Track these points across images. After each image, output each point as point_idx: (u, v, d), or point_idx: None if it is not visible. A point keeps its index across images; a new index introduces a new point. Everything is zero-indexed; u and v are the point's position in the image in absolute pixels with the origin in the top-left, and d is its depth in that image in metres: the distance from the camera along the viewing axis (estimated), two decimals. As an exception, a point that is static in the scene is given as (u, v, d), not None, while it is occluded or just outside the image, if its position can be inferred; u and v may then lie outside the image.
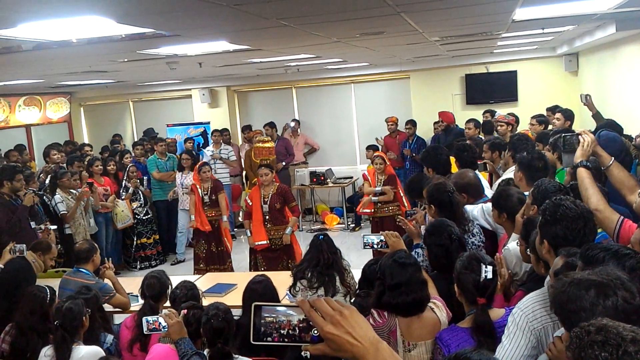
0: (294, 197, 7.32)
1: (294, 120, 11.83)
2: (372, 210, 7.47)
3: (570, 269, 2.12)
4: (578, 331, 1.49)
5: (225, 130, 11.23)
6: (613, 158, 3.33)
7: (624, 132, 5.71)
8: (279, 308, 1.32)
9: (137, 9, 3.26)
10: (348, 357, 1.26)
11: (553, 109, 7.28)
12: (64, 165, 9.03)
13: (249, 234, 6.88)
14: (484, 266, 2.73)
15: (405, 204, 7.39)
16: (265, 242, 6.73)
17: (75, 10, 3.06)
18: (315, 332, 1.27)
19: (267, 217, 6.76)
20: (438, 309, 2.94)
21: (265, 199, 6.77)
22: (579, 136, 3.34)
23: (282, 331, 1.29)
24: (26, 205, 6.56)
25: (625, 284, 1.71)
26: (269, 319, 1.30)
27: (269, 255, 6.79)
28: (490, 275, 2.72)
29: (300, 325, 1.29)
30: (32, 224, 6.68)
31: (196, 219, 7.62)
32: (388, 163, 7.49)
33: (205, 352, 3.31)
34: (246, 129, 11.05)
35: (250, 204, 6.87)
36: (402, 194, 7.46)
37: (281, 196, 6.79)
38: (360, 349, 1.24)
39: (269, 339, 1.30)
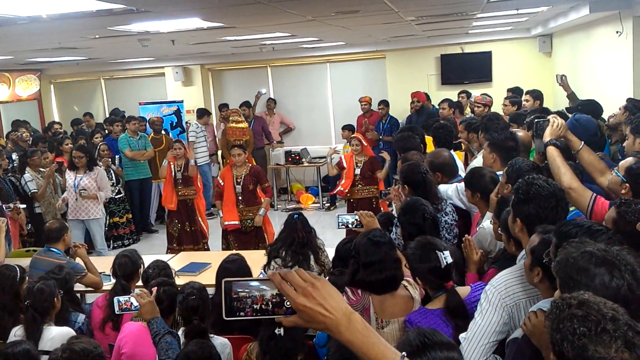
0: (267, 178, 7.27)
1: (265, 91, 11.73)
2: (347, 190, 7.33)
3: (546, 245, 2.14)
4: (559, 302, 1.50)
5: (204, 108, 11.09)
6: (583, 142, 3.39)
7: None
8: (251, 283, 1.31)
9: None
10: (321, 329, 1.27)
11: (531, 93, 7.35)
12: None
13: (221, 214, 6.83)
14: (441, 254, 2.74)
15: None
16: (236, 222, 6.69)
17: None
18: (288, 304, 1.26)
19: (239, 197, 6.71)
20: (411, 287, 2.96)
21: (238, 180, 6.71)
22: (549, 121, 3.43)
23: (255, 306, 1.29)
24: None
25: (635, 273, 1.71)
26: (242, 294, 1.29)
27: (241, 238, 6.75)
28: (450, 260, 2.73)
29: (273, 299, 1.28)
30: (-1, 203, 6.55)
31: (164, 196, 7.53)
32: (365, 144, 7.40)
33: (180, 331, 3.30)
34: (223, 107, 10.91)
35: (222, 183, 6.81)
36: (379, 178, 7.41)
37: (254, 177, 6.75)
38: (333, 320, 1.25)
39: (242, 314, 1.29)
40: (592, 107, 5.56)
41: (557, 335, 1.45)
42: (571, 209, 3.02)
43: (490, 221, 3.29)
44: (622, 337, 1.37)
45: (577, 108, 5.83)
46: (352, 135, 7.69)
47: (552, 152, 3.13)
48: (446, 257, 2.74)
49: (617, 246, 1.87)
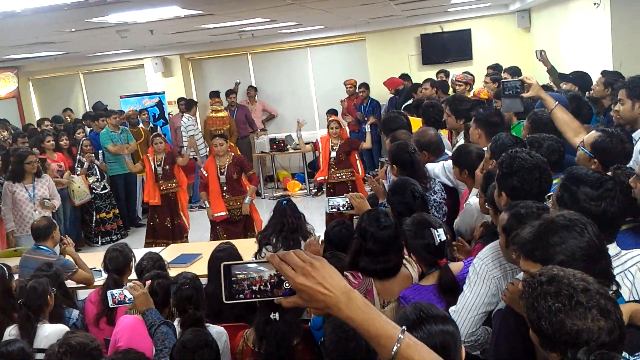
0: (251, 165, 7.25)
1: (239, 80, 11.72)
2: (326, 176, 7.32)
3: (517, 220, 2.19)
4: (530, 280, 1.54)
5: (183, 99, 11.02)
6: (557, 102, 3.44)
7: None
8: (249, 265, 1.32)
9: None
10: (321, 307, 1.28)
11: (509, 70, 7.39)
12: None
13: (207, 205, 6.81)
14: (434, 231, 2.76)
15: (360, 170, 7.37)
16: (224, 213, 6.68)
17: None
18: (287, 285, 1.27)
19: (224, 187, 6.69)
20: (410, 265, 2.98)
21: (222, 170, 6.68)
22: (522, 82, 3.48)
23: (253, 287, 1.30)
24: None
25: (592, 224, 1.78)
26: (240, 276, 1.30)
27: (229, 228, 6.73)
28: (443, 237, 2.76)
29: (272, 280, 1.29)
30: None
31: (145, 192, 7.51)
32: (344, 127, 7.39)
33: (176, 321, 3.32)
34: (213, 95, 10.79)
35: (206, 175, 6.77)
36: (356, 159, 7.40)
37: (237, 166, 6.73)
38: (333, 298, 1.26)
39: (241, 296, 1.30)
40: (581, 78, 5.61)
41: (533, 314, 1.48)
42: (554, 181, 3.06)
43: (477, 196, 3.33)
44: (595, 306, 1.42)
45: (567, 77, 5.90)
46: (331, 118, 7.64)
47: (557, 113, 3.20)
48: (440, 234, 2.76)
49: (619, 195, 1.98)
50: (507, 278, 2.39)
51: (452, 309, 2.49)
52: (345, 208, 3.55)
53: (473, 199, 3.50)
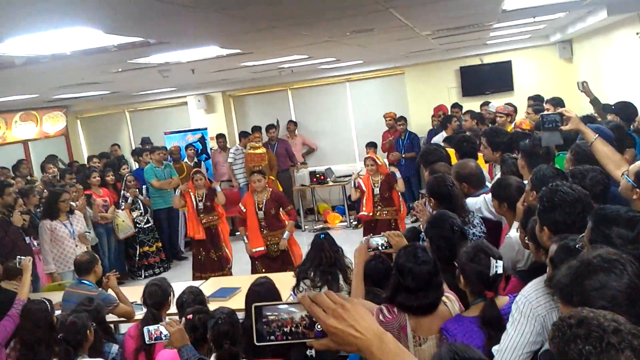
0: (288, 200, 7.26)
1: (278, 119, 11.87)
2: (371, 213, 7.23)
3: (566, 252, 2.11)
4: (559, 324, 1.48)
5: (222, 135, 11.24)
6: (597, 134, 3.36)
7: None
8: (280, 306, 1.30)
9: (124, 18, 3.24)
10: (353, 351, 1.25)
11: (551, 101, 7.27)
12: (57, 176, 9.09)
13: (246, 240, 6.82)
14: (494, 261, 2.70)
15: (402, 208, 7.30)
16: (262, 248, 6.67)
17: (61, 23, 3.04)
18: (319, 327, 1.25)
19: (262, 223, 6.70)
20: (450, 303, 2.91)
21: (260, 206, 6.70)
22: (561, 115, 3.42)
23: (284, 329, 1.27)
24: (17, 226, 6.54)
25: (633, 264, 1.69)
26: (271, 317, 1.28)
27: (267, 263, 6.72)
28: (500, 270, 2.70)
29: (303, 322, 1.27)
30: (27, 239, 6.67)
31: (189, 227, 7.57)
32: (380, 163, 7.33)
33: (212, 357, 3.30)
34: (243, 135, 10.98)
35: (244, 210, 6.80)
36: (399, 196, 7.33)
37: (275, 201, 6.74)
38: (365, 341, 1.23)
39: (272, 337, 1.28)
40: (625, 109, 5.48)
41: (564, 358, 1.43)
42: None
43: (517, 230, 3.24)
44: (628, 347, 1.35)
45: (610, 108, 5.76)
46: (366, 156, 7.62)
47: (597, 146, 3.12)
48: (498, 266, 2.70)
49: None
50: (552, 316, 2.30)
51: (495, 348, 2.41)
52: (384, 247, 3.50)
53: (513, 232, 3.41)
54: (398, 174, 7.29)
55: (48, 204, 6.87)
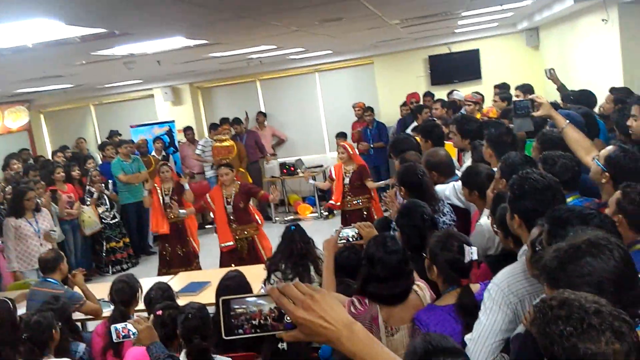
0: (257, 186, 7.17)
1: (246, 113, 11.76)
2: (339, 202, 7.18)
3: (559, 224, 2.11)
4: (540, 305, 1.48)
5: (189, 128, 11.12)
6: (568, 120, 3.38)
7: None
8: (248, 299, 1.27)
9: (86, 9, 3.14)
10: (323, 341, 1.23)
11: (521, 88, 7.34)
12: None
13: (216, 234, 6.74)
14: (468, 247, 2.69)
15: (374, 196, 7.28)
16: (231, 243, 6.54)
17: (20, 14, 2.92)
18: (288, 319, 1.23)
19: (231, 217, 6.57)
20: (421, 291, 2.89)
21: (229, 200, 6.56)
22: (533, 101, 3.44)
23: (253, 322, 1.25)
24: None
25: (620, 247, 1.70)
26: (239, 310, 1.25)
27: (236, 256, 6.56)
28: (475, 257, 2.69)
29: (272, 314, 1.25)
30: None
31: (153, 221, 7.45)
32: (352, 152, 7.24)
33: (182, 353, 3.24)
34: (213, 127, 10.85)
35: (212, 204, 6.66)
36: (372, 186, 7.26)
37: (244, 194, 6.60)
38: (334, 332, 1.21)
39: (241, 331, 1.25)
40: (586, 97, 5.53)
41: (545, 340, 1.42)
42: (569, 199, 2.98)
43: (488, 217, 3.25)
44: (609, 328, 1.35)
45: (569, 98, 5.81)
46: (340, 144, 7.54)
47: (568, 132, 3.13)
48: (472, 252, 2.69)
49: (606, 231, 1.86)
50: (524, 303, 2.30)
51: (467, 336, 2.40)
52: (355, 239, 3.47)
53: (484, 220, 3.42)
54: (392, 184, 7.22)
55: (13, 202, 6.69)
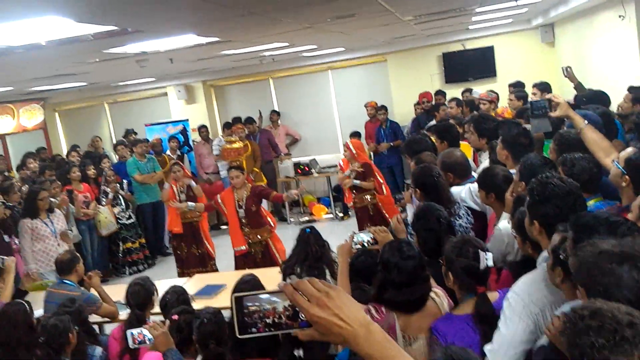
0: (269, 188, 7.14)
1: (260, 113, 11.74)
2: (351, 202, 7.29)
3: (586, 231, 2.06)
4: (571, 315, 1.43)
5: (204, 126, 11.14)
6: (586, 121, 3.31)
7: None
8: (262, 296, 1.22)
9: (96, 6, 3.13)
10: (338, 341, 1.18)
11: (538, 86, 7.24)
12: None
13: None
14: (483, 253, 2.64)
15: (385, 191, 7.21)
16: (243, 247, 6.45)
17: (31, 12, 2.92)
18: (303, 317, 1.18)
19: (243, 221, 6.45)
20: (439, 298, 2.84)
21: (240, 203, 6.43)
22: (550, 101, 3.37)
23: (267, 320, 1.21)
24: None
25: None
26: (253, 308, 1.21)
27: (250, 259, 6.47)
28: (490, 263, 2.64)
29: (286, 312, 1.20)
30: (5, 238, 6.53)
31: (170, 220, 7.45)
32: (355, 152, 7.14)
33: (198, 359, 3.23)
34: (227, 126, 10.84)
35: (223, 206, 6.56)
36: (381, 182, 7.24)
37: (256, 196, 6.47)
38: (350, 331, 1.16)
39: (254, 329, 1.21)
40: (599, 99, 5.44)
41: (575, 351, 1.38)
42: (590, 202, 2.93)
43: (508, 221, 3.19)
44: None
45: (582, 100, 5.72)
46: (345, 143, 7.48)
47: (587, 133, 3.07)
48: (488, 258, 2.64)
49: (636, 237, 1.80)
50: (545, 313, 2.25)
51: (487, 347, 2.36)
52: (370, 244, 3.44)
53: (503, 224, 3.35)
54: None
55: (26, 202, 6.71)
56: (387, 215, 6.95)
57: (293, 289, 1.17)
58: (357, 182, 7.09)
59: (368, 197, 7.14)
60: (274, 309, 1.20)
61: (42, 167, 8.99)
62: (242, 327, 1.21)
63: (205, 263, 7.39)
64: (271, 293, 1.22)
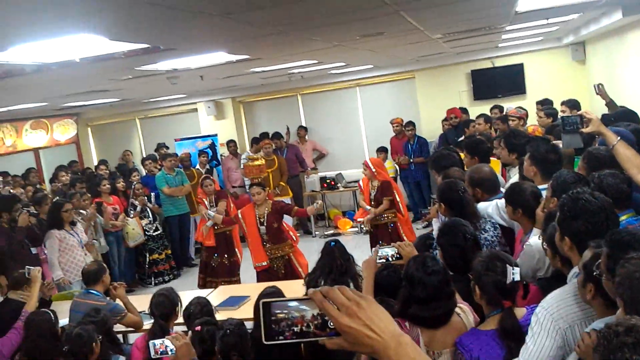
0: (290, 204, 7.12)
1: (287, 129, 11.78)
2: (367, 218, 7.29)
3: (599, 259, 2.01)
4: (605, 332, 1.39)
5: (232, 141, 11.26)
6: (619, 137, 3.25)
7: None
8: (290, 303, 1.19)
9: (129, 25, 3.19)
10: (368, 352, 1.15)
11: (567, 103, 7.15)
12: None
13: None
14: (510, 268, 2.60)
15: (402, 211, 7.19)
16: (265, 263, 6.42)
17: (64, 30, 2.99)
18: (332, 326, 1.15)
19: (265, 237, 6.43)
20: (464, 314, 2.80)
21: (262, 220, 6.43)
22: (582, 117, 3.31)
23: (295, 328, 1.18)
24: (22, 227, 6.52)
25: None
26: (281, 315, 1.18)
27: (272, 278, 6.35)
28: (517, 277, 2.59)
29: (315, 321, 1.17)
30: (33, 250, 6.64)
31: (198, 232, 7.50)
32: (374, 170, 7.17)
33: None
34: (255, 141, 10.93)
35: (242, 221, 6.55)
36: (398, 200, 7.21)
37: (277, 213, 6.45)
38: (381, 343, 1.12)
39: (281, 337, 1.18)
40: (628, 117, 5.33)
41: None
42: (623, 218, 2.86)
43: (539, 237, 3.13)
44: None
45: (610, 120, 5.62)
46: (364, 162, 7.45)
47: (619, 149, 3.02)
48: (515, 273, 2.59)
49: None
50: (574, 329, 2.20)
51: (513, 362, 2.31)
52: (394, 258, 3.40)
53: (534, 240, 3.27)
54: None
55: (51, 214, 6.82)
56: (404, 236, 6.97)
57: (322, 296, 1.15)
58: (371, 214, 7.11)
59: (389, 215, 7.12)
60: (303, 317, 1.18)
61: (73, 179, 9.17)
62: (269, 334, 1.19)
63: (234, 273, 7.41)
64: (300, 300, 1.20)
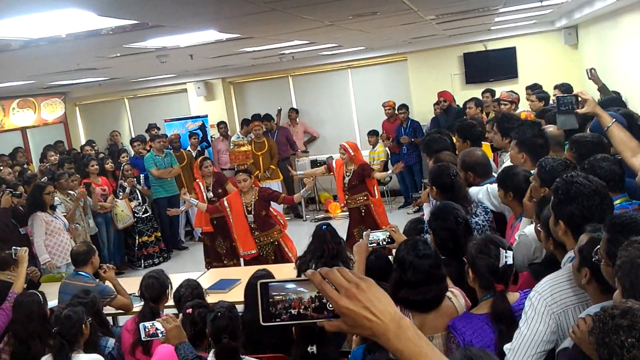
0: (277, 191, 7.04)
1: (281, 107, 11.71)
2: (343, 203, 7.36)
3: (596, 245, 1.99)
4: (601, 314, 1.39)
5: (223, 122, 11.18)
6: (614, 119, 3.23)
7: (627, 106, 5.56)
8: (288, 285, 1.17)
9: (117, 0, 3.12)
10: (367, 335, 1.13)
11: (560, 87, 7.13)
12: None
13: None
14: (503, 251, 2.60)
15: (376, 194, 7.17)
16: (254, 251, 6.35)
17: (52, 4, 2.91)
18: (330, 307, 1.13)
19: (252, 225, 6.33)
20: (455, 298, 2.80)
21: (249, 208, 6.30)
22: (577, 97, 3.29)
23: (292, 311, 1.16)
24: (6, 207, 6.44)
25: None
26: (277, 297, 1.16)
27: (261, 264, 6.17)
28: (510, 261, 2.59)
29: (312, 304, 1.16)
30: (22, 231, 6.58)
31: (198, 219, 7.42)
32: (353, 154, 7.09)
33: (211, 353, 3.21)
34: (245, 123, 10.86)
35: (227, 209, 6.40)
36: (373, 183, 7.18)
37: (264, 201, 6.34)
38: (380, 325, 1.10)
39: (279, 320, 1.17)
40: (615, 103, 5.33)
41: (604, 351, 1.34)
42: (617, 202, 2.85)
43: (531, 222, 3.11)
44: None
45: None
46: (340, 145, 7.35)
47: (614, 131, 3.00)
48: (507, 256, 2.59)
49: None
50: (568, 314, 2.19)
51: (506, 346, 2.30)
52: (386, 242, 3.38)
53: (528, 229, 3.23)
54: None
55: (33, 196, 6.69)
56: (377, 218, 7.00)
57: (321, 277, 1.12)
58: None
59: (361, 198, 7.12)
60: (300, 299, 1.16)
61: (62, 160, 9.08)
62: (267, 315, 1.17)
63: (237, 255, 7.16)
64: (298, 282, 1.17)
